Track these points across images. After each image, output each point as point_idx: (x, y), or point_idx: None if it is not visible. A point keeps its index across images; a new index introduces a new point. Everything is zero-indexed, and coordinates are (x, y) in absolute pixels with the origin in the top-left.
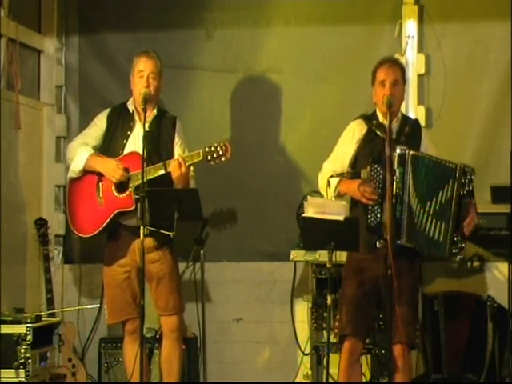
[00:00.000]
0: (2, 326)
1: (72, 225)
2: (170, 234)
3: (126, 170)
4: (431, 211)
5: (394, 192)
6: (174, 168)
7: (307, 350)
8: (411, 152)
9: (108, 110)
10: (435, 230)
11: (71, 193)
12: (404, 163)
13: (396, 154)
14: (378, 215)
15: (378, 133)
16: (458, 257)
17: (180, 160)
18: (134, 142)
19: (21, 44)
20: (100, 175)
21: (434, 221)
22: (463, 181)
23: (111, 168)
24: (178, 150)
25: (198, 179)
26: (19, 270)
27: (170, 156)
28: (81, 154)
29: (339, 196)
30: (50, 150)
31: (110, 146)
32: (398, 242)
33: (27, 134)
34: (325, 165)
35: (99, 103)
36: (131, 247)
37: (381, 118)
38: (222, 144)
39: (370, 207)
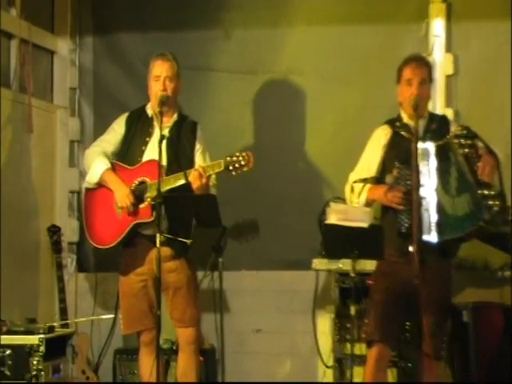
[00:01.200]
0: (14, 336)
1: (89, 235)
2: (187, 241)
3: (143, 184)
4: (454, 192)
5: (420, 192)
6: (194, 178)
7: (330, 363)
8: (435, 144)
9: (126, 115)
10: (464, 204)
11: (88, 201)
12: (428, 158)
13: (420, 150)
14: (409, 218)
15: (404, 134)
16: (494, 208)
17: (200, 170)
18: (153, 149)
19: (33, 45)
20: None
21: (459, 198)
22: (461, 143)
23: (122, 194)
24: (198, 158)
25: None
26: (31, 279)
27: (191, 164)
28: (97, 166)
29: (368, 204)
30: (63, 154)
31: (128, 152)
32: (426, 238)
33: (40, 138)
34: (351, 176)
35: (114, 106)
36: (148, 256)
37: (406, 119)
38: (244, 154)
39: (399, 212)
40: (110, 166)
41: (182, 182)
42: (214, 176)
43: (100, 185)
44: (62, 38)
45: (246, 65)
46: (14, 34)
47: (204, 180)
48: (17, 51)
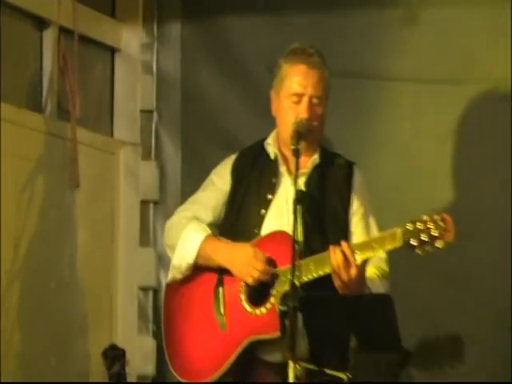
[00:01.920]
0: None
1: (172, 364)
2: (343, 376)
3: (271, 262)
4: None
5: None
6: (338, 264)
7: None
8: None
9: (233, 158)
10: None
11: (170, 304)
12: None
13: None
14: None
15: None
16: None
17: (347, 251)
18: (280, 213)
19: (81, 38)
20: (221, 274)
21: None
22: None
23: (245, 259)
24: (357, 226)
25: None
26: None
27: (344, 235)
28: (190, 236)
29: None
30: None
31: (238, 220)
32: None
33: (92, 196)
34: None
35: (217, 142)
36: None
37: None
38: (437, 218)
39: None
40: (210, 231)
41: (329, 268)
42: (383, 258)
43: (192, 274)
44: (128, 27)
45: (442, 68)
46: (49, 19)
47: (353, 271)
48: (53, 48)
